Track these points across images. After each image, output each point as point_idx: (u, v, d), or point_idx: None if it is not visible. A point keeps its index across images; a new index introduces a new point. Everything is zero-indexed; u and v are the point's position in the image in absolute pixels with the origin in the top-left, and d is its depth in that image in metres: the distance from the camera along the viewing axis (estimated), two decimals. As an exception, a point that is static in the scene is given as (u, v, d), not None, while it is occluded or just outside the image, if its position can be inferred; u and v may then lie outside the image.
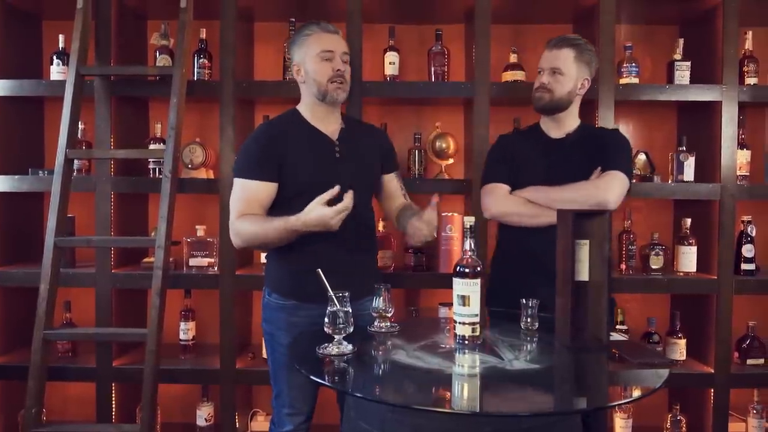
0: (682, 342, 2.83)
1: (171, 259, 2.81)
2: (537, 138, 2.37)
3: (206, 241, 2.83)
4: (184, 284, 2.85)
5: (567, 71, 2.25)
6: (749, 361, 2.81)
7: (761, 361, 2.82)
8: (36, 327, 2.48)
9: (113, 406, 2.80)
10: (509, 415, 1.38)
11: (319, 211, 1.89)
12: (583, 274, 1.75)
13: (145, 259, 2.87)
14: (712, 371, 2.76)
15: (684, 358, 2.84)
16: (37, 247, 2.56)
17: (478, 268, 1.74)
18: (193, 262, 2.83)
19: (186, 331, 2.90)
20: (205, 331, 3.05)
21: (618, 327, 2.85)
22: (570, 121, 2.35)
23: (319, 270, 1.77)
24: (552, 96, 2.27)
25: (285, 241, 2.02)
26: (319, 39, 2.11)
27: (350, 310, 1.70)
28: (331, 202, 1.92)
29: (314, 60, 2.10)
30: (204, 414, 2.91)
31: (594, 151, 2.27)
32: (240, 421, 2.90)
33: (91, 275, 2.76)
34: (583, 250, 1.74)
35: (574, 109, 2.34)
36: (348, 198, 1.90)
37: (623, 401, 1.49)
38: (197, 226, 2.87)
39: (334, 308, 1.68)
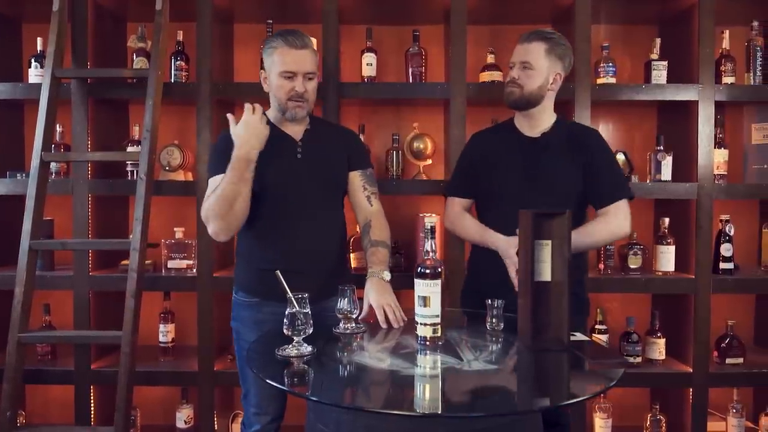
0: (662, 341, 2.83)
1: (150, 261, 2.82)
2: (512, 136, 2.31)
3: (185, 243, 2.84)
4: (162, 286, 2.85)
5: (537, 65, 2.19)
6: (728, 360, 2.81)
7: (740, 360, 2.81)
8: (11, 330, 2.49)
9: (92, 408, 2.81)
10: (458, 416, 1.38)
11: (235, 130, 2.01)
12: (545, 274, 1.75)
13: (123, 262, 2.87)
14: (691, 370, 2.75)
15: (663, 357, 2.84)
16: (17, 251, 2.56)
17: (439, 269, 1.73)
18: (171, 264, 2.83)
19: (165, 333, 2.91)
20: (185, 333, 3.05)
21: (598, 327, 2.85)
22: (545, 119, 2.28)
23: (278, 272, 1.77)
24: (522, 91, 2.21)
25: (243, 186, 1.99)
26: (282, 56, 2.08)
27: (309, 312, 1.70)
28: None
29: (276, 77, 2.11)
30: (183, 416, 2.92)
31: (575, 153, 2.21)
32: (221, 423, 2.90)
33: (68, 278, 2.77)
34: (545, 250, 1.74)
35: (548, 105, 2.27)
36: (252, 109, 2.03)
37: (570, 401, 1.47)
38: (176, 229, 2.87)
39: (293, 310, 1.67)
